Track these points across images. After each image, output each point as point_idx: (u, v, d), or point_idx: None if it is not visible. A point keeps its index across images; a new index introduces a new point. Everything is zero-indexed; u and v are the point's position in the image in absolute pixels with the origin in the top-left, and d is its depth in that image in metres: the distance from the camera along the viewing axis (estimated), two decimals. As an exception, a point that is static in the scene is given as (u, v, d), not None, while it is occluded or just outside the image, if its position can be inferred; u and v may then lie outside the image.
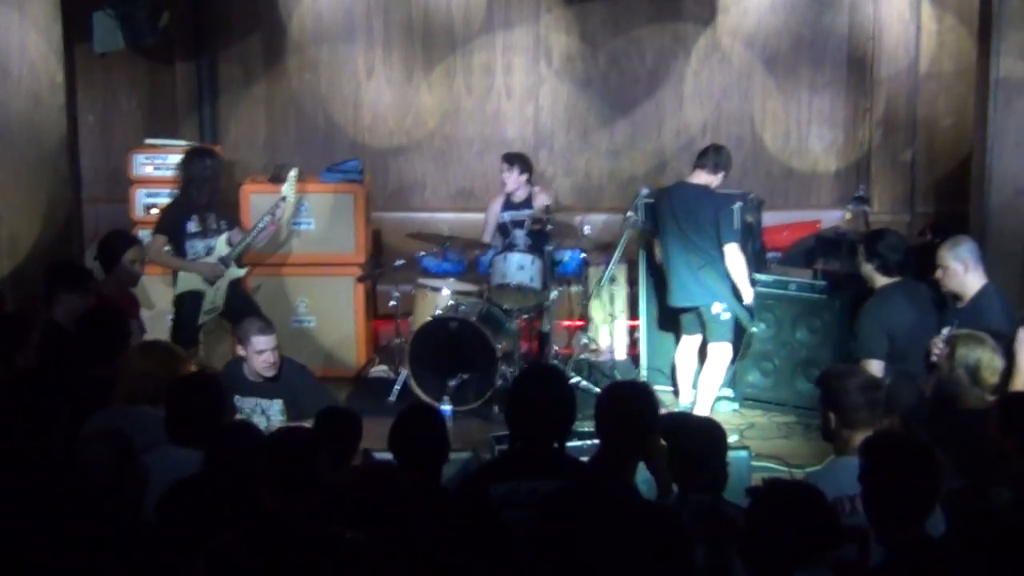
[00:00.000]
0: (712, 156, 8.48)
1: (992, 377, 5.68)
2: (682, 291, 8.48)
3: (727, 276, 8.36)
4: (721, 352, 8.46)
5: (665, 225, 8.53)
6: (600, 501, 4.36)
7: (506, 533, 3.93)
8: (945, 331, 6.45)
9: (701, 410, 8.40)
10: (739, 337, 8.58)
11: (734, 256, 8.34)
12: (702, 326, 8.55)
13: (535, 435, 4.93)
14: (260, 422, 7.12)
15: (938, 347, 6.24)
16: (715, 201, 8.43)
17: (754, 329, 8.57)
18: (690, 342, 8.69)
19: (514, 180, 9.68)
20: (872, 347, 7.10)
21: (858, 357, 7.13)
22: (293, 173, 8.91)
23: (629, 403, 4.83)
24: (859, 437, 4.99)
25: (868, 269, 7.42)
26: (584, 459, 5.26)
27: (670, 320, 9.10)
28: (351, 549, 4.03)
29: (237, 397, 7.08)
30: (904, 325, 7.10)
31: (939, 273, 6.91)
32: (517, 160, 9.75)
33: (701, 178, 8.47)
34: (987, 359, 5.67)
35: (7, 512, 4.21)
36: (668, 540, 3.85)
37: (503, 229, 9.63)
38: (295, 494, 4.12)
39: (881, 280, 7.35)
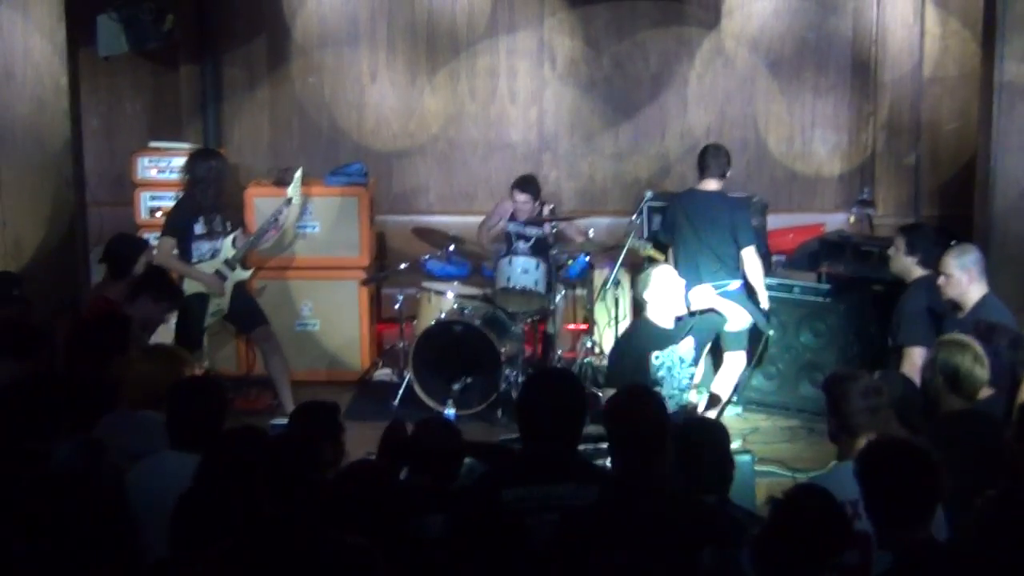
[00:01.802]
0: (714, 161, 8.46)
1: (971, 386, 5.57)
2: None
3: (741, 281, 8.38)
4: (736, 360, 8.44)
5: (681, 233, 8.52)
6: (639, 506, 4.37)
7: (524, 536, 3.93)
8: None
9: (711, 415, 8.40)
10: (753, 343, 8.55)
11: (752, 259, 8.37)
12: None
13: (547, 439, 4.93)
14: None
15: None
16: (730, 205, 8.47)
17: (771, 332, 8.56)
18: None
19: (521, 205, 9.67)
20: (917, 334, 7.02)
21: (900, 344, 7.07)
22: (298, 175, 8.91)
23: (645, 411, 4.82)
24: (861, 443, 4.98)
25: (908, 262, 7.34)
26: (598, 463, 5.28)
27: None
28: (352, 552, 4.03)
29: (656, 354, 7.20)
30: (939, 315, 7.09)
31: (941, 280, 6.82)
32: (529, 187, 9.64)
33: (712, 185, 8.48)
34: (967, 367, 5.56)
35: (8, 514, 4.21)
36: (715, 531, 3.88)
37: (507, 237, 9.60)
38: (293, 497, 4.12)
39: (918, 272, 7.31)
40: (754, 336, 8.53)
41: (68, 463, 4.45)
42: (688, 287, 8.47)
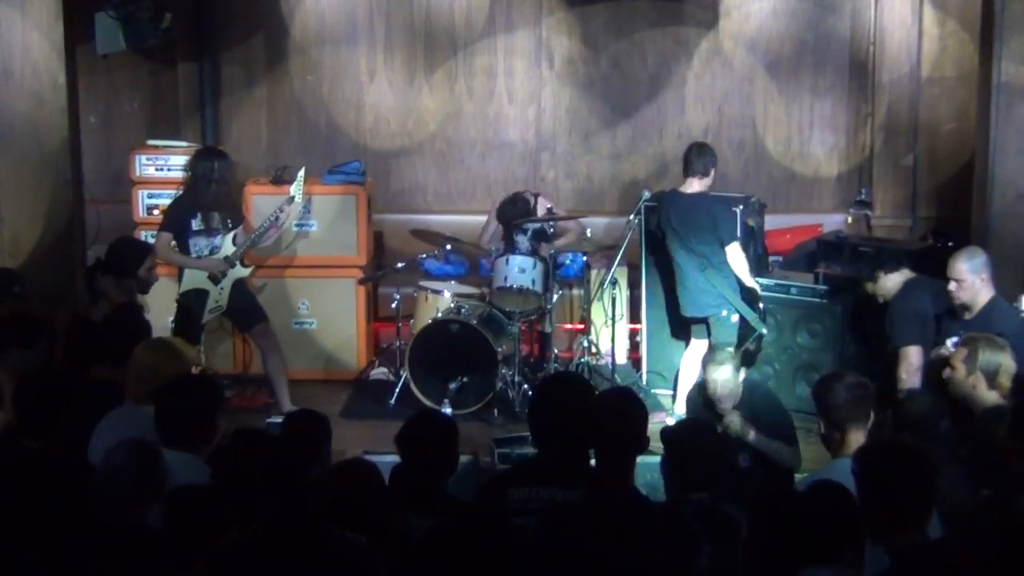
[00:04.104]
0: (698, 159, 8.50)
1: (1008, 381, 5.72)
2: (691, 302, 8.51)
3: (731, 277, 8.38)
4: None
5: (668, 238, 8.58)
6: (608, 509, 4.38)
7: (515, 536, 3.93)
8: (950, 343, 6.42)
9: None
10: (743, 341, 8.53)
11: (736, 255, 8.39)
12: (708, 330, 8.55)
13: (557, 444, 4.93)
14: None
15: (948, 351, 6.23)
16: (711, 206, 8.49)
17: (764, 331, 8.56)
18: (699, 346, 8.65)
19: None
20: (907, 334, 7.08)
21: (895, 347, 7.11)
22: (301, 173, 8.87)
23: (623, 412, 4.84)
24: (852, 437, 5.02)
25: (882, 282, 7.46)
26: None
27: (671, 324, 9.11)
28: (352, 548, 4.04)
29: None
30: (928, 314, 7.13)
31: (952, 286, 6.79)
32: (512, 212, 9.51)
33: (695, 186, 8.51)
34: (1007, 364, 5.73)
35: (9, 512, 4.22)
36: (679, 539, 3.89)
37: (506, 235, 9.56)
38: (294, 494, 4.13)
39: (896, 279, 7.37)
40: (744, 334, 8.52)
41: (123, 472, 4.45)
42: (681, 289, 8.47)
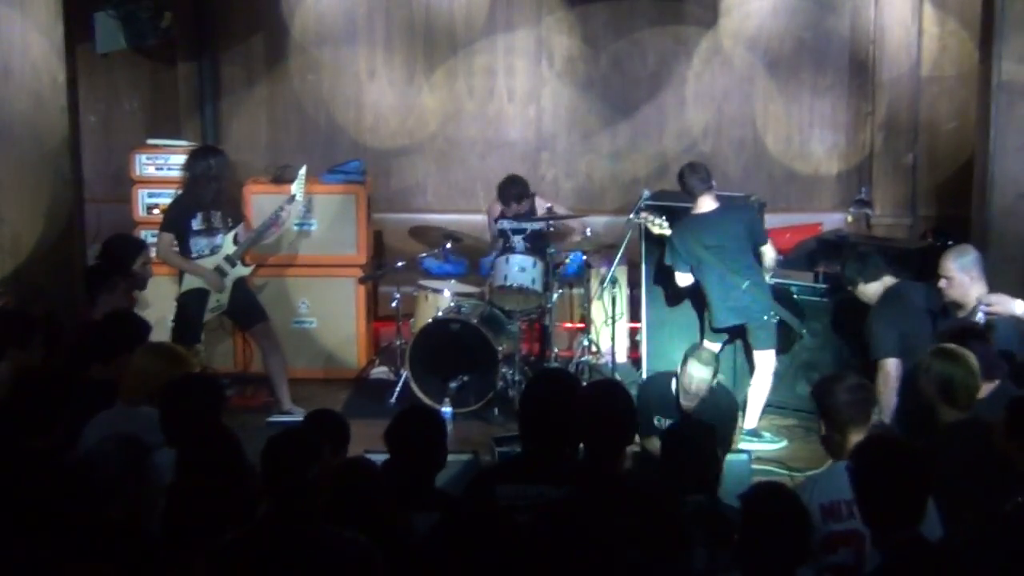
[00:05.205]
0: (696, 180, 8.31)
1: (964, 397, 5.39)
2: (733, 312, 8.27)
3: (767, 284, 8.37)
4: (768, 360, 8.35)
5: (697, 257, 8.26)
6: (602, 501, 4.38)
7: (515, 533, 3.94)
8: None
9: (751, 422, 8.34)
10: (780, 340, 8.48)
11: (771, 255, 8.42)
12: (741, 335, 8.49)
13: (545, 440, 4.93)
14: None
15: None
16: (737, 212, 8.46)
17: (804, 332, 8.54)
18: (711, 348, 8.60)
19: (497, 210, 9.75)
20: (885, 346, 7.06)
21: (874, 359, 7.08)
22: (303, 172, 8.86)
23: (610, 404, 4.85)
24: (852, 439, 5.00)
25: (861, 289, 7.47)
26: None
27: (671, 323, 9.09)
28: (351, 547, 4.04)
29: (658, 418, 7.23)
30: (909, 323, 7.09)
31: (943, 284, 6.81)
32: (508, 195, 9.68)
33: (710, 203, 8.32)
34: (960, 377, 5.39)
35: (5, 511, 4.22)
36: (672, 531, 3.91)
37: (503, 235, 9.56)
38: (292, 496, 4.12)
39: (876, 287, 7.37)
40: (788, 338, 8.52)
41: (108, 461, 4.44)
42: (720, 302, 8.28)
